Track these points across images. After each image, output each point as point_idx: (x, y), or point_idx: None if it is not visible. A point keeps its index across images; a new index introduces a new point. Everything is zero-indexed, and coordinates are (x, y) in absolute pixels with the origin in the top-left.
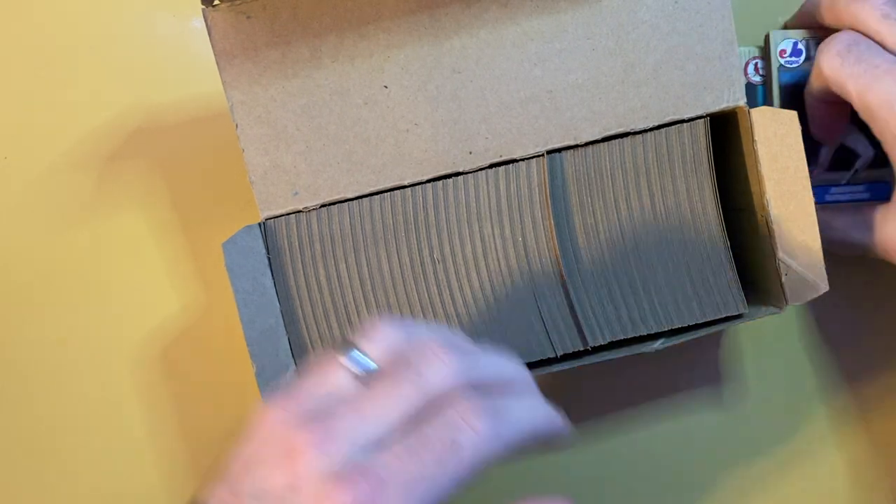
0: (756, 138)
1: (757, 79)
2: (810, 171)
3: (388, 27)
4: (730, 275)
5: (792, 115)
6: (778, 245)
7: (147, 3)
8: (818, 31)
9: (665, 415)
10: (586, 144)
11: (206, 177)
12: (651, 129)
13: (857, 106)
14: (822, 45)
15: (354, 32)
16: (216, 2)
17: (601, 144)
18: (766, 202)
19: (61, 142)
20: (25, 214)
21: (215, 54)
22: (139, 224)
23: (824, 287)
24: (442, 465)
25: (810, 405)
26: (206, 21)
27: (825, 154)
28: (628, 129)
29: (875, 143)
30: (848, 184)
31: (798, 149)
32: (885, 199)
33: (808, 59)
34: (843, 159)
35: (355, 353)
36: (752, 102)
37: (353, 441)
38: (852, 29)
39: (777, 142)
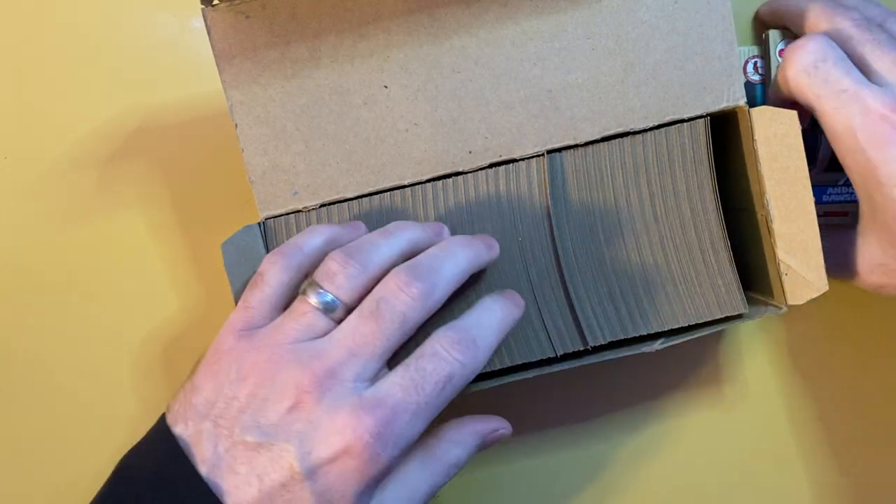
0: (756, 138)
1: (756, 77)
2: None
3: (388, 27)
4: (730, 275)
5: (792, 115)
6: (778, 245)
7: (147, 3)
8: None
9: (665, 415)
10: (586, 144)
11: (206, 177)
12: (651, 129)
13: (822, 125)
14: (788, 52)
15: (354, 32)
16: (215, 1)
17: (601, 144)
18: (766, 202)
19: (61, 142)
20: (25, 214)
21: (215, 54)
22: (139, 224)
23: (824, 287)
24: (440, 395)
25: (810, 405)
26: (205, 21)
27: (822, 155)
28: (628, 129)
29: None
30: (845, 185)
31: (798, 148)
32: None
33: None
34: None
35: (322, 293)
36: (751, 101)
37: (355, 375)
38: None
39: (777, 141)
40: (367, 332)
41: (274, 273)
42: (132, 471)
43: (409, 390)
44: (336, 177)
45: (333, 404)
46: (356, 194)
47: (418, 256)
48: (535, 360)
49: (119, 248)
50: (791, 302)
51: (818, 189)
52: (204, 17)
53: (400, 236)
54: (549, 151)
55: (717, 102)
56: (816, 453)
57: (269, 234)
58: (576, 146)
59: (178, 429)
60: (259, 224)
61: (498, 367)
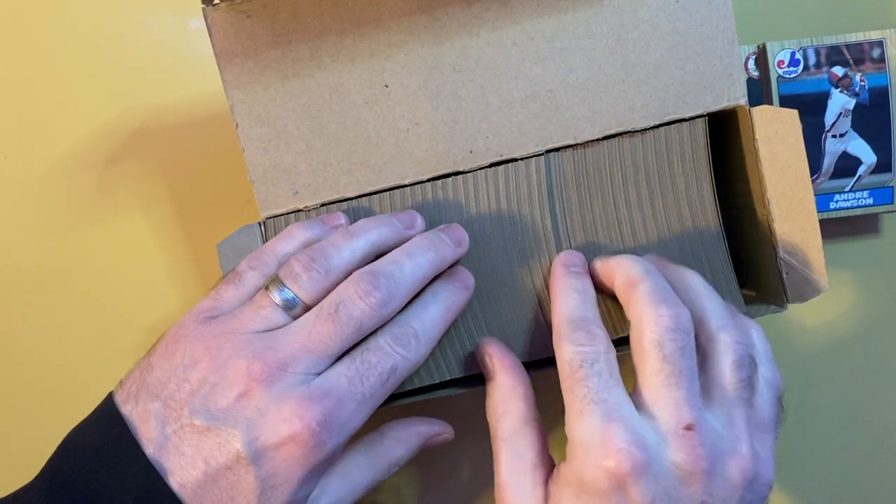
0: (757, 137)
1: (757, 73)
2: (813, 180)
3: (389, 26)
4: (729, 274)
5: (793, 114)
6: (779, 244)
7: (147, 3)
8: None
9: None
10: (586, 144)
11: (206, 177)
12: (650, 128)
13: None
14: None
15: (355, 32)
16: (216, 1)
17: (602, 143)
18: (766, 201)
19: (61, 142)
20: (25, 215)
21: (215, 54)
22: (139, 224)
23: (825, 286)
24: (383, 386)
25: (811, 403)
26: (206, 20)
27: (828, 163)
28: (628, 129)
29: (877, 150)
30: (852, 190)
31: (799, 148)
32: (888, 202)
33: (807, 68)
34: (846, 167)
35: (285, 291)
36: (752, 97)
37: (306, 369)
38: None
39: (778, 141)
40: (323, 332)
41: (251, 277)
42: (77, 447)
43: (355, 381)
44: (337, 176)
45: (282, 393)
46: (357, 194)
47: (381, 262)
48: (535, 359)
49: (119, 247)
50: (792, 301)
51: (824, 198)
52: (205, 16)
53: (363, 238)
54: (549, 151)
55: (718, 102)
56: (817, 452)
57: (268, 233)
58: (575, 146)
59: (128, 407)
60: (259, 224)
61: None
